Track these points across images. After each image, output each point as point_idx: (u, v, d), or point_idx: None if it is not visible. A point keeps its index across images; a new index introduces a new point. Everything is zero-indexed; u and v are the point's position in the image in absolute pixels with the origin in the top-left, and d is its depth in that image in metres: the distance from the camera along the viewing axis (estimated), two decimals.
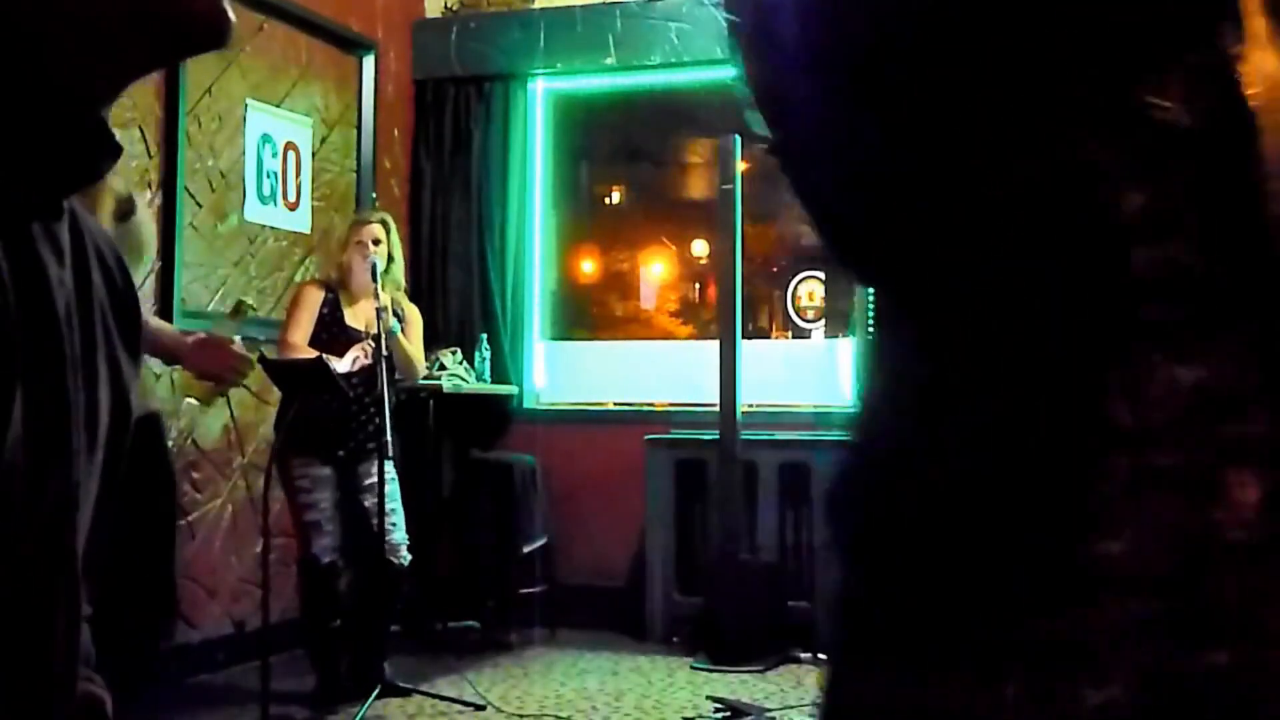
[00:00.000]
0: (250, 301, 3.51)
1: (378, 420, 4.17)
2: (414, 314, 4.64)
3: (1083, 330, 0.75)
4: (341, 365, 4.20)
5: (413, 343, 4.52)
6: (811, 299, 13.74)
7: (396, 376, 4.48)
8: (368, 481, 4.30)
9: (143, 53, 0.77)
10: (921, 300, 0.83)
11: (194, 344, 2.89)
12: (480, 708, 4.15)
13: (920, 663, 0.81)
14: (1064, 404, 0.76)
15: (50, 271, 0.74)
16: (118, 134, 0.79)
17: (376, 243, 4.39)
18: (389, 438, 4.00)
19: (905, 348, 0.84)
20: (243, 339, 3.20)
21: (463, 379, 5.50)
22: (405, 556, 4.33)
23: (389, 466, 4.34)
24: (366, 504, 4.31)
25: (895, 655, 0.83)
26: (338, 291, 4.42)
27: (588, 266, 14.68)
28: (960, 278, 0.79)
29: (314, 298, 4.40)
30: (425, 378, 4.84)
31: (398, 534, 4.30)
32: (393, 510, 4.28)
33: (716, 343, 5.14)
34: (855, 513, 0.88)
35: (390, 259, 4.46)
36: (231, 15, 0.77)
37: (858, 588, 0.87)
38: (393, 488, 4.35)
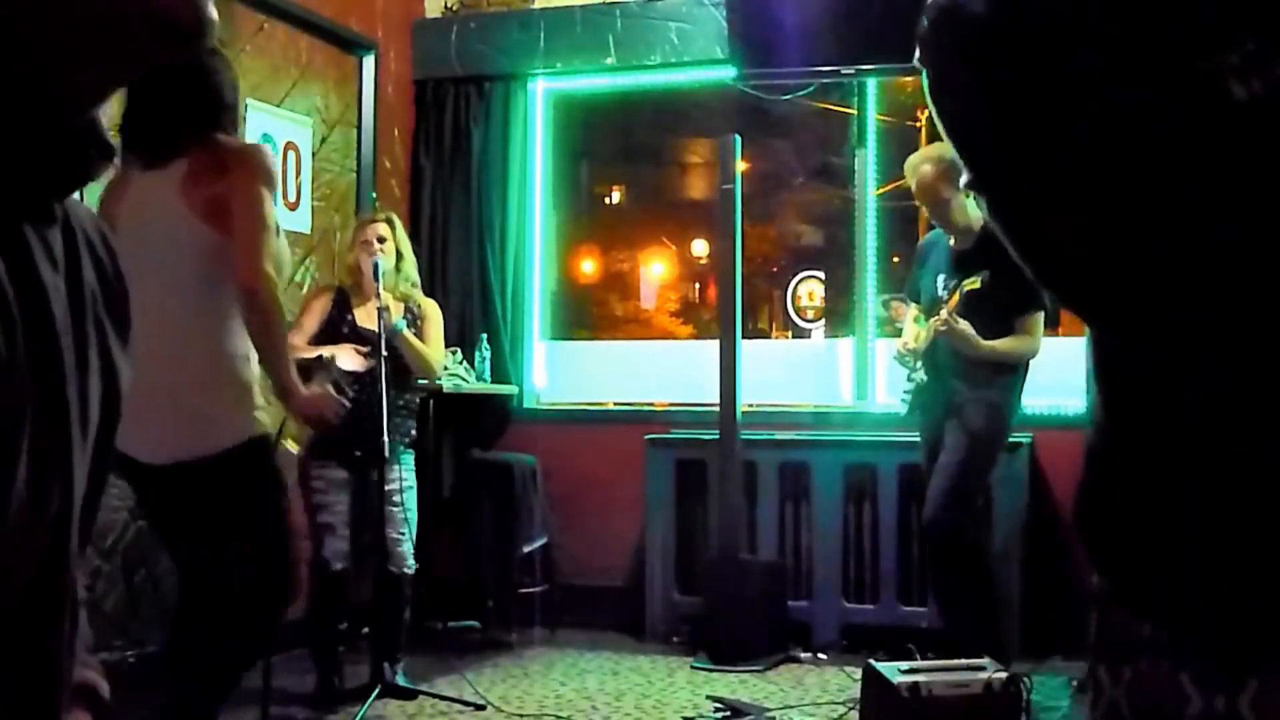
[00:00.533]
0: (329, 355, 3.99)
1: (394, 421, 4.16)
2: (432, 310, 4.57)
3: None
4: (347, 363, 4.13)
5: (430, 340, 4.46)
6: (811, 299, 13.78)
7: (417, 380, 4.47)
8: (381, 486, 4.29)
9: (125, 55, 0.77)
10: (1152, 337, 0.84)
11: (307, 395, 3.18)
12: (480, 708, 4.15)
13: (1173, 660, 0.86)
14: None
15: (47, 282, 0.75)
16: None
17: (381, 240, 4.39)
18: (386, 439, 3.98)
19: (1140, 382, 0.87)
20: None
21: (463, 379, 5.50)
22: (410, 566, 4.32)
23: (408, 473, 4.34)
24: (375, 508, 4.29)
25: (1153, 653, 0.87)
26: (349, 293, 4.42)
27: (588, 266, 14.71)
28: (1191, 317, 0.82)
29: (319, 304, 4.42)
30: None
31: (405, 545, 4.28)
32: (404, 521, 4.27)
33: (716, 343, 5.14)
34: (1115, 525, 0.93)
35: (400, 256, 4.45)
36: (213, 14, 0.77)
37: (1118, 592, 0.92)
38: (408, 495, 4.34)
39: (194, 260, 2.94)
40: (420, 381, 4.54)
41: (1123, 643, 0.92)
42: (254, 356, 3.04)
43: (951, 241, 4.43)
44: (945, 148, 4.76)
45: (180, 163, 2.97)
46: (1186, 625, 0.86)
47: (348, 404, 3.44)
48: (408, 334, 4.33)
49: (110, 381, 0.84)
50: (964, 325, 4.20)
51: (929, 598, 4.85)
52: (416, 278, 4.57)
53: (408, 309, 4.45)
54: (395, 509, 4.21)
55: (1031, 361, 4.39)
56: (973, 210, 4.46)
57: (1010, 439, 4.55)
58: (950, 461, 4.31)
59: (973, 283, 4.21)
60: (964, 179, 0.92)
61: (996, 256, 4.35)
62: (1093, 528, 0.94)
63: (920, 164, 4.45)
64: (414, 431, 4.51)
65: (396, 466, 4.28)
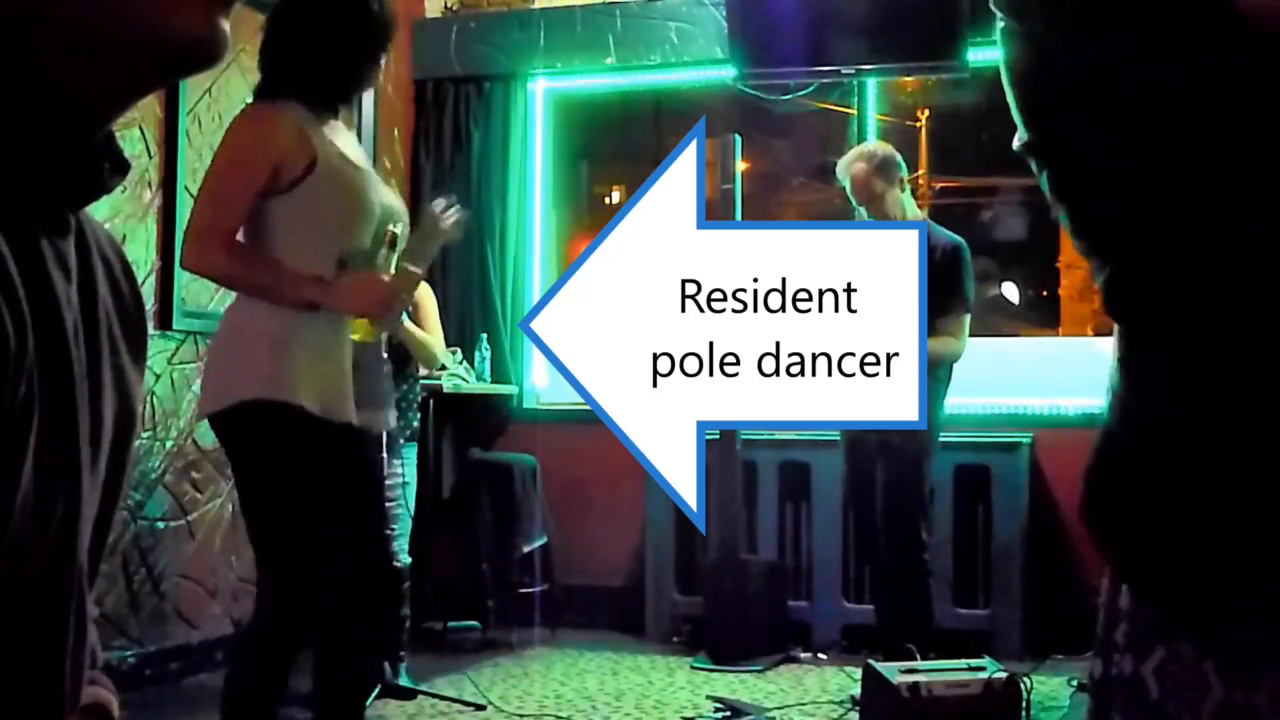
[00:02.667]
0: (397, 230, 3.15)
1: (400, 411, 4.17)
2: (425, 295, 4.48)
3: None
4: None
5: (428, 328, 4.40)
6: None
7: (420, 371, 4.48)
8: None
9: (141, 73, 0.78)
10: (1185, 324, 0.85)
11: (338, 290, 2.74)
12: (480, 708, 4.15)
13: (1195, 648, 0.87)
14: None
15: (59, 291, 0.75)
16: (118, 135, 0.80)
17: None
18: (383, 436, 3.97)
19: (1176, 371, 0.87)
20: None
21: (463, 379, 5.49)
22: (403, 560, 4.32)
23: (408, 468, 4.34)
24: None
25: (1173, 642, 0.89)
26: None
27: None
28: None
29: None
30: (425, 377, 4.82)
31: (397, 540, 4.28)
32: (398, 515, 4.27)
33: None
34: (1131, 517, 0.93)
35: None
36: (228, 35, 0.77)
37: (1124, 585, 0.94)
38: (408, 491, 4.34)
39: None
40: (422, 377, 4.54)
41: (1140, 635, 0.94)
42: (280, 315, 2.69)
43: None
44: (877, 145, 4.79)
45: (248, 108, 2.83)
46: (1205, 615, 0.87)
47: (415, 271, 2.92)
48: (408, 324, 4.33)
49: (124, 399, 0.84)
50: None
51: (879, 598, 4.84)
52: None
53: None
54: (392, 504, 4.21)
55: (955, 363, 4.40)
56: (908, 205, 4.50)
57: (941, 439, 4.50)
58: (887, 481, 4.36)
59: None
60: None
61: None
62: (1115, 511, 0.95)
63: (853, 161, 4.51)
64: (416, 424, 4.51)
65: (398, 461, 4.27)
